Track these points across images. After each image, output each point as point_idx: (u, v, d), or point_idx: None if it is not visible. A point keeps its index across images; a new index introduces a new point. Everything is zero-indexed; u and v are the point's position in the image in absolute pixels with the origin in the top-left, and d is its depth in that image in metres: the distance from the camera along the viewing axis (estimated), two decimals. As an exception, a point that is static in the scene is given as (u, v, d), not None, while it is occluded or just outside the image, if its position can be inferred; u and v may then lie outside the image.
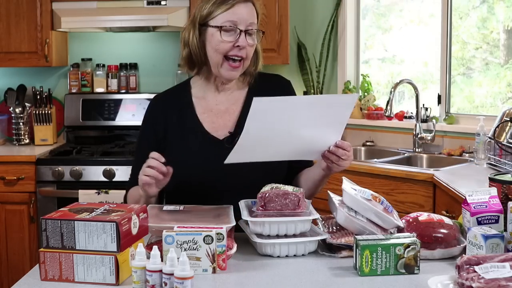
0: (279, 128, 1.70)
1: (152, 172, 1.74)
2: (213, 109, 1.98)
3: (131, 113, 4.06)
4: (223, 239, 1.51)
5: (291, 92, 2.08)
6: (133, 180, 1.97)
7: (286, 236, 1.65)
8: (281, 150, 1.78)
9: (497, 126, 2.92)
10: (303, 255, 1.66)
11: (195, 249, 1.48)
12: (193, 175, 1.90)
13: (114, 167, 3.48)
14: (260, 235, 1.65)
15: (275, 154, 1.80)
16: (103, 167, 3.49)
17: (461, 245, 1.63)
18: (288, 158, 1.89)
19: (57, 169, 3.51)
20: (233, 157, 1.73)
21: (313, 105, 1.72)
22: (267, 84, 2.03)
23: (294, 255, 1.65)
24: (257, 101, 1.62)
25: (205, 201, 1.82)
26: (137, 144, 2.07)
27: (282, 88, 2.05)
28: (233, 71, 1.91)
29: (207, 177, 1.89)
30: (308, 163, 2.03)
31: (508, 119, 2.89)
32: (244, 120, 1.69)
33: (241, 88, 2.02)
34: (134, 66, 4.19)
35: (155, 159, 1.75)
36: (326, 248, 1.67)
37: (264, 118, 1.65)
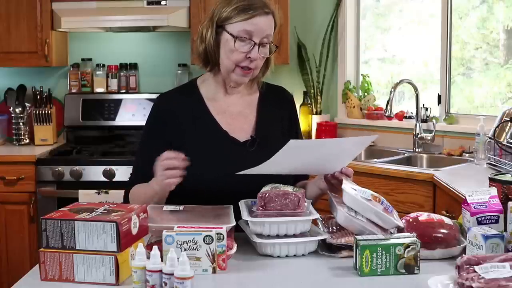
0: (299, 161, 1.77)
1: (176, 173, 1.73)
2: (226, 111, 1.98)
3: (131, 113, 4.05)
4: (223, 239, 1.51)
5: (294, 105, 2.13)
6: (135, 179, 1.96)
7: (286, 236, 1.65)
8: (291, 168, 1.83)
9: (497, 126, 2.92)
10: (303, 255, 1.66)
11: (195, 249, 1.48)
12: (213, 175, 1.87)
13: (114, 167, 3.48)
14: (260, 235, 1.65)
15: (283, 170, 1.82)
16: (103, 167, 3.49)
17: (461, 245, 1.64)
18: (294, 173, 1.93)
19: (57, 169, 3.50)
20: (247, 171, 1.74)
21: (339, 146, 1.81)
22: (274, 95, 2.07)
23: (294, 255, 1.65)
24: (293, 142, 1.67)
25: (218, 200, 1.81)
26: (142, 142, 2.02)
27: (287, 100, 2.11)
28: (244, 77, 1.92)
29: (227, 177, 1.84)
30: (305, 176, 2.09)
31: (508, 119, 2.89)
32: (261, 124, 1.96)
33: (251, 94, 2.04)
34: (134, 66, 4.19)
35: (173, 158, 1.74)
36: (326, 248, 1.67)
37: (291, 155, 1.71)
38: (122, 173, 3.46)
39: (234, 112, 1.99)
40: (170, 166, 1.74)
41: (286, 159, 1.72)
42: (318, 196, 1.96)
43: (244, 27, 1.85)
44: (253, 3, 1.86)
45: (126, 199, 1.97)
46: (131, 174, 2.03)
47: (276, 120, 2.02)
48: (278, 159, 1.70)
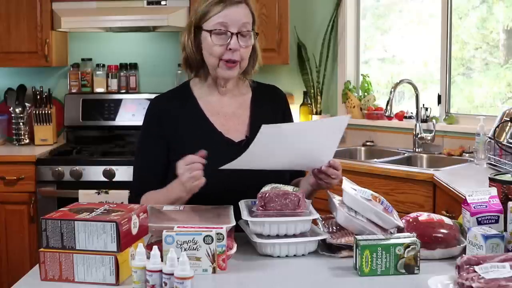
0: (279, 150, 1.74)
1: (200, 174, 1.75)
2: (220, 112, 1.99)
3: (131, 113, 4.06)
4: (223, 239, 1.51)
5: (286, 103, 2.14)
6: (140, 184, 1.95)
7: (286, 236, 1.65)
8: (277, 163, 1.82)
9: (497, 126, 2.92)
10: (303, 255, 1.66)
11: (195, 249, 1.48)
12: (209, 176, 1.83)
13: (114, 167, 3.48)
14: (260, 235, 1.65)
15: (270, 165, 1.81)
16: (103, 167, 3.49)
17: (461, 245, 1.64)
18: (282, 168, 1.92)
19: (57, 169, 3.50)
20: (229, 166, 1.74)
21: (314, 130, 1.78)
22: (266, 94, 2.08)
23: (294, 255, 1.65)
24: (265, 127, 1.65)
25: (217, 200, 1.81)
26: (141, 144, 2.01)
27: (279, 99, 2.12)
28: (229, 70, 1.91)
29: (222, 177, 1.83)
30: (301, 173, 2.08)
31: (508, 119, 2.89)
32: (255, 124, 1.88)
33: (243, 94, 2.05)
34: (134, 66, 4.19)
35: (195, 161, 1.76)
36: (326, 248, 1.67)
37: (268, 142, 1.69)
38: (122, 173, 3.46)
39: (228, 113, 2.00)
40: (194, 168, 1.75)
41: (264, 147, 1.69)
42: (310, 193, 1.95)
43: (218, 20, 1.87)
44: None
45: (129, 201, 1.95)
46: (133, 179, 2.02)
47: (271, 118, 2.02)
48: (256, 148, 1.68)
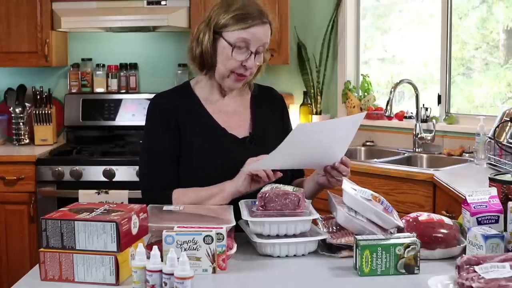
0: (304, 149, 1.76)
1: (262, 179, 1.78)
2: (222, 109, 2.00)
3: (131, 113, 4.05)
4: (223, 239, 1.51)
5: (284, 104, 2.16)
6: (153, 181, 1.93)
7: (286, 236, 1.65)
8: (294, 161, 1.83)
9: (497, 126, 2.92)
10: (303, 255, 1.66)
11: (195, 249, 1.48)
12: (215, 171, 1.88)
13: (114, 167, 3.47)
14: (260, 235, 1.65)
15: (286, 164, 1.83)
16: (103, 167, 3.49)
17: (461, 245, 1.64)
18: (296, 167, 1.94)
19: (57, 169, 3.50)
20: (252, 167, 1.76)
21: (338, 128, 1.81)
22: (265, 94, 2.10)
23: (294, 255, 1.65)
24: (301, 126, 1.70)
25: None
26: (148, 141, 1.99)
27: (276, 100, 2.14)
28: (237, 83, 1.94)
29: (227, 172, 1.85)
30: (301, 173, 2.09)
31: (508, 119, 2.89)
32: (257, 122, 2.00)
33: (243, 94, 2.06)
34: (134, 66, 4.19)
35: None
36: (326, 248, 1.67)
37: (298, 140, 1.71)
38: (122, 173, 3.46)
39: (229, 111, 2.01)
40: (260, 173, 1.77)
41: (293, 145, 1.72)
42: (316, 191, 1.97)
43: (242, 35, 1.86)
44: (251, 12, 1.87)
45: (147, 202, 1.77)
46: (146, 176, 1.97)
47: (270, 117, 2.06)
48: (287, 144, 1.69)
